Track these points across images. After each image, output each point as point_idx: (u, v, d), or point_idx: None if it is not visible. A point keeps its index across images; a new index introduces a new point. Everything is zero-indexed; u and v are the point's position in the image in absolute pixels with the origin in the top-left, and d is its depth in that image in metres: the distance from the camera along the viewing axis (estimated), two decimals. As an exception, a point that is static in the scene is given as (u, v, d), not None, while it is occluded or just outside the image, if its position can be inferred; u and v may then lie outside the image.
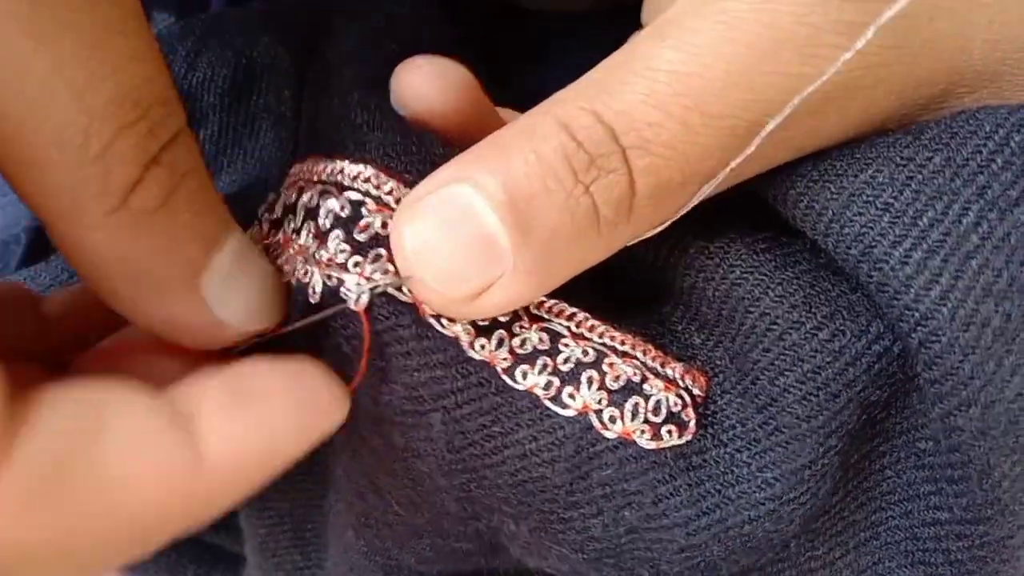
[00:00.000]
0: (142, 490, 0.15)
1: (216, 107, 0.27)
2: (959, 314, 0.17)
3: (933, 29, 0.17)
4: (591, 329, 0.19)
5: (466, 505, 0.20)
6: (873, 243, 0.18)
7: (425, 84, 0.20)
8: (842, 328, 0.18)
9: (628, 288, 0.21)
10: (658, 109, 0.16)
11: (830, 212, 0.18)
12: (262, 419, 0.16)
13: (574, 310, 0.19)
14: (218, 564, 0.31)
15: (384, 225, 0.18)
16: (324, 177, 0.19)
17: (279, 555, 0.26)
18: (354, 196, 0.18)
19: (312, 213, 0.18)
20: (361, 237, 0.18)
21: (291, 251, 0.19)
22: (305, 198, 0.19)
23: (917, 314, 0.17)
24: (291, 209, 0.19)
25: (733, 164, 0.17)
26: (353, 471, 0.22)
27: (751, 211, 0.21)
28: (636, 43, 0.17)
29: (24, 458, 0.14)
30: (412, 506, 0.20)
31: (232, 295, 0.17)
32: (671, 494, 0.18)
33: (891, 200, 0.18)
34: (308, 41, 0.27)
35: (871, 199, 0.18)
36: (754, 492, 0.18)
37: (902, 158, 0.18)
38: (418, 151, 0.19)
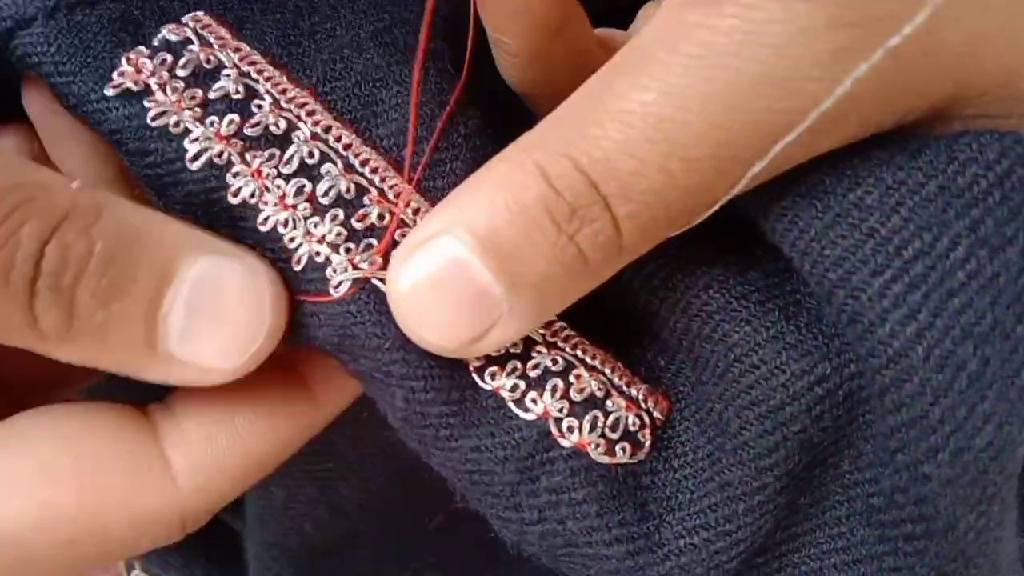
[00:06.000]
0: (111, 502, 0.18)
1: None
2: (934, 354, 0.16)
3: (936, 41, 0.16)
4: (566, 339, 0.19)
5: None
6: (853, 269, 0.17)
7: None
8: (784, 365, 0.18)
9: (602, 302, 0.21)
10: (635, 158, 0.16)
11: (812, 231, 0.17)
12: (245, 439, 0.19)
13: (552, 318, 0.19)
14: (228, 564, 0.32)
15: (381, 217, 0.18)
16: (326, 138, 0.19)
17: None
18: (362, 182, 0.18)
19: (311, 173, 0.18)
20: (358, 225, 0.18)
21: (266, 185, 0.18)
22: (309, 159, 0.18)
23: (890, 351, 0.16)
24: (276, 143, 0.18)
25: (723, 200, 0.17)
26: None
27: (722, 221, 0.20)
28: (609, 76, 0.17)
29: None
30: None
31: (193, 336, 0.17)
32: (616, 509, 0.18)
33: (877, 225, 0.17)
34: None
35: (856, 222, 0.17)
36: (692, 519, 0.18)
37: (894, 180, 0.17)
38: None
